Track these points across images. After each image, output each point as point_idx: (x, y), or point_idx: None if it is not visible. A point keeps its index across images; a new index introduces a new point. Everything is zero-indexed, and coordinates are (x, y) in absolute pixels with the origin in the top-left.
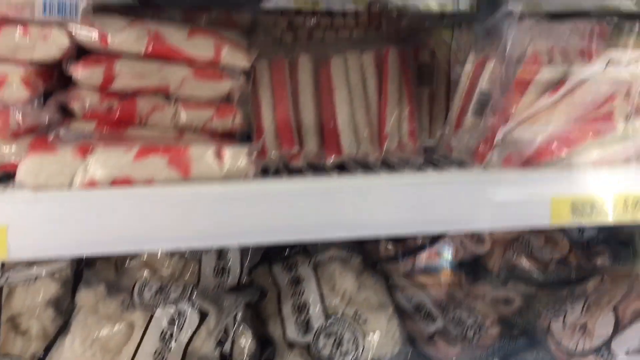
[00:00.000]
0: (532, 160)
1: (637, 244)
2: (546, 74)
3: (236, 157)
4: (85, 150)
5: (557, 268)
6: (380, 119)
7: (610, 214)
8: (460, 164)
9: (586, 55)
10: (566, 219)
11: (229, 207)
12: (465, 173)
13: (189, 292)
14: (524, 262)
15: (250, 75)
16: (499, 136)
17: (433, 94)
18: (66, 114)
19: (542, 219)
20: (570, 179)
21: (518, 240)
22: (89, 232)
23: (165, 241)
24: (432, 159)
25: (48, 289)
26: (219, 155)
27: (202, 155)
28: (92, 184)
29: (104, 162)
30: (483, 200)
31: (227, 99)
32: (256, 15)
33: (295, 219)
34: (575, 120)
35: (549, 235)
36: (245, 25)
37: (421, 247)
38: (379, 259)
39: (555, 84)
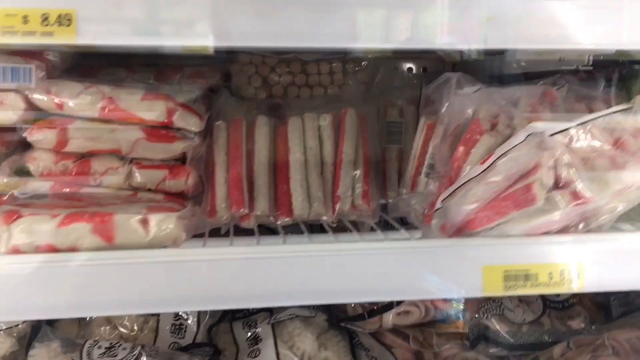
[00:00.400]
0: (463, 229)
1: (612, 308)
2: (486, 142)
3: (163, 223)
4: (11, 217)
5: (530, 330)
6: (334, 181)
7: (546, 285)
8: (410, 227)
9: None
10: (499, 289)
11: (147, 274)
12: (397, 242)
13: (138, 351)
14: (495, 324)
15: (207, 135)
16: (438, 203)
17: (402, 151)
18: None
19: (474, 289)
20: (502, 249)
21: (490, 300)
22: (11, 298)
23: (85, 309)
24: (385, 221)
25: (3, 345)
26: (144, 222)
27: (127, 222)
28: (15, 251)
29: (28, 229)
30: (415, 270)
31: (181, 159)
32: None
33: (216, 287)
34: (500, 192)
35: (522, 296)
36: (217, 84)
37: (388, 306)
38: (346, 317)
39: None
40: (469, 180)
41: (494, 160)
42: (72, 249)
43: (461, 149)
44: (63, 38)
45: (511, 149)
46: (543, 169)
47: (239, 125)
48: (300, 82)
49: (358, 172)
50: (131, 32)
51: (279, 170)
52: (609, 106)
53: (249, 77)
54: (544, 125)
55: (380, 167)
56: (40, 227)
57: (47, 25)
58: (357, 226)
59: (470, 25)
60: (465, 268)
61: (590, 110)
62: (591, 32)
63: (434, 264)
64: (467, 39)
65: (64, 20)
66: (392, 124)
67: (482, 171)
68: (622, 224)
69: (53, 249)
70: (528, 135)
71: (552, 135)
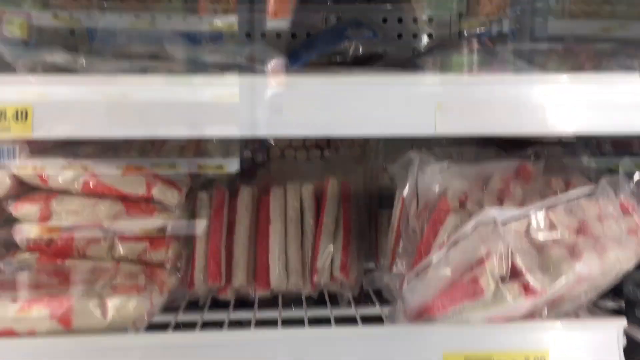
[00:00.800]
0: (424, 313)
1: None
2: (452, 221)
3: (122, 307)
4: None
5: None
6: (314, 252)
7: None
8: (385, 302)
9: (504, 199)
10: None
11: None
12: (358, 328)
13: None
14: None
15: (190, 205)
16: (404, 284)
17: None
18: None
19: None
20: (462, 335)
21: None
22: None
23: None
24: (361, 294)
25: None
26: (102, 306)
27: (84, 307)
28: None
29: None
30: (374, 357)
31: (161, 231)
32: None
33: None
34: (451, 281)
35: None
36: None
37: None
38: None
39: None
40: (427, 266)
41: (447, 249)
42: (30, 334)
43: (429, 227)
44: (19, 132)
45: (460, 238)
46: (491, 260)
47: (221, 196)
48: (296, 144)
49: (338, 243)
50: (95, 125)
51: (259, 241)
52: (590, 179)
53: (245, 140)
54: (496, 213)
55: (372, 233)
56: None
57: (4, 120)
58: (337, 297)
59: (420, 112)
60: (425, 354)
61: (568, 185)
62: (540, 118)
63: (394, 349)
64: (418, 125)
65: (21, 115)
66: (383, 188)
67: (437, 259)
68: (606, 301)
69: (12, 333)
70: (477, 225)
71: (505, 223)
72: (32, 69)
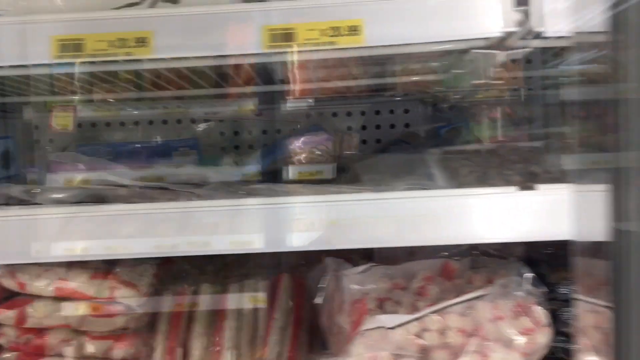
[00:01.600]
0: None
1: None
2: (368, 325)
3: None
4: None
5: None
6: (263, 349)
7: None
8: None
9: (421, 297)
10: None
11: None
12: None
13: None
14: None
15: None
16: None
17: None
18: None
19: None
20: None
21: None
22: None
23: None
24: None
25: None
26: None
27: None
28: None
29: None
30: None
31: (125, 329)
32: None
33: None
34: None
35: None
36: None
37: None
38: None
39: None
40: None
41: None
42: None
43: (351, 328)
44: None
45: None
46: None
47: (182, 294)
48: None
49: (286, 339)
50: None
51: (215, 335)
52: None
53: None
54: (386, 318)
55: None
56: None
57: None
58: None
59: (313, 228)
60: None
61: (490, 282)
62: (422, 230)
63: None
64: (315, 242)
65: None
66: None
67: None
68: None
69: None
70: (365, 330)
71: (394, 327)
72: None
